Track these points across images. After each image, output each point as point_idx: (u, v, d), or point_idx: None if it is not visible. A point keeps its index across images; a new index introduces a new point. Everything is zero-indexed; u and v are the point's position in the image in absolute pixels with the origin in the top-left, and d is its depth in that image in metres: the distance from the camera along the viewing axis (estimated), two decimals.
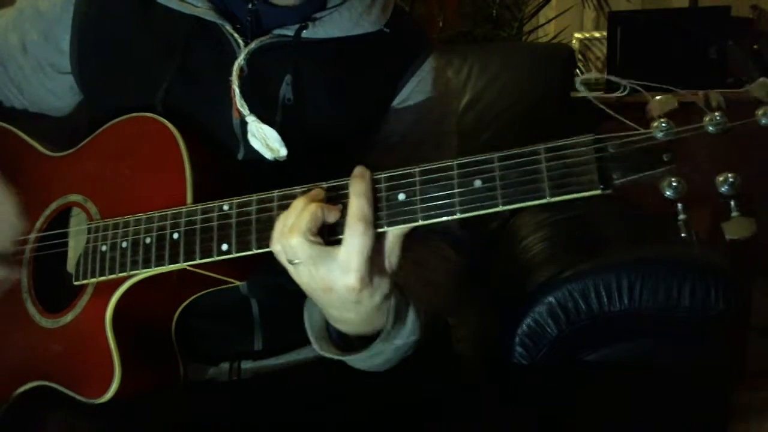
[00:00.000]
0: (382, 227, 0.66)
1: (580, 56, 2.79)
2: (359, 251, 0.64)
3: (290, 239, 0.65)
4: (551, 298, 1.10)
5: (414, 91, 0.91)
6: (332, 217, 0.67)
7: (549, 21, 3.11)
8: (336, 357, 0.75)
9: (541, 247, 1.29)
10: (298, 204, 0.67)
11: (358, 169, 0.67)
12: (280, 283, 0.88)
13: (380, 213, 0.66)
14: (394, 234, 0.67)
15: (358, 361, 0.75)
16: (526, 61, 1.84)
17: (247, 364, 0.92)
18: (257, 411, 0.87)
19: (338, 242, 0.66)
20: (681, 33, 2.30)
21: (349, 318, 0.71)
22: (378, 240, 0.66)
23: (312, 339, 0.77)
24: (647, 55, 2.30)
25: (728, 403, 1.11)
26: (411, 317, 0.74)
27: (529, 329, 1.11)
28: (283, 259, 0.68)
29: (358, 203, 0.65)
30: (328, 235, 0.67)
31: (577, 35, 2.90)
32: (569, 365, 1.11)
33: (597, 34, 2.85)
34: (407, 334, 0.75)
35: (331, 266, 0.66)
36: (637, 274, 1.08)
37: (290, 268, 0.68)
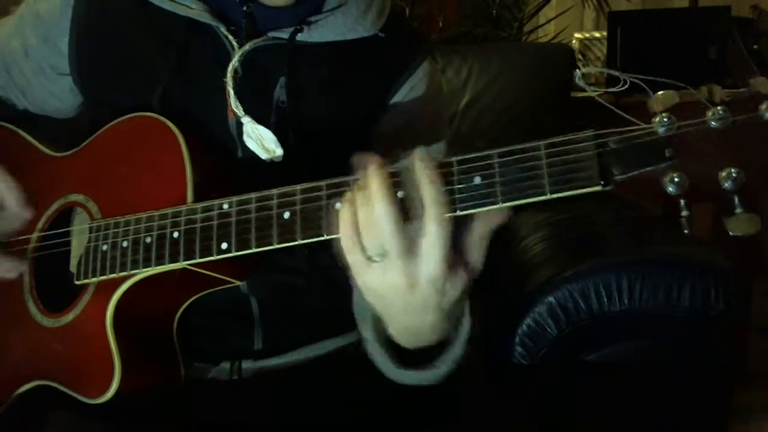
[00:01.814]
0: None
1: (580, 56, 2.79)
2: (444, 238, 0.61)
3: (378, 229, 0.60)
4: (551, 298, 1.10)
5: (407, 95, 0.91)
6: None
7: (549, 21, 3.10)
8: (415, 377, 0.75)
9: (541, 247, 1.29)
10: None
11: (426, 156, 0.62)
12: (279, 281, 0.89)
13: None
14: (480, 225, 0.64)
15: (434, 373, 0.75)
16: (526, 61, 1.84)
17: (247, 364, 0.92)
18: (258, 411, 0.87)
19: None
20: (681, 33, 2.30)
21: (423, 320, 0.68)
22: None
23: (379, 356, 0.76)
24: (647, 55, 2.30)
25: (728, 403, 1.11)
26: (467, 317, 0.75)
27: (529, 329, 1.11)
28: (357, 257, 0.63)
29: (433, 189, 0.60)
30: None
31: (577, 35, 2.89)
32: (569, 365, 1.11)
33: (597, 34, 2.84)
34: (466, 333, 0.75)
35: (416, 259, 0.62)
36: (637, 274, 1.08)
37: (362, 268, 0.63)
